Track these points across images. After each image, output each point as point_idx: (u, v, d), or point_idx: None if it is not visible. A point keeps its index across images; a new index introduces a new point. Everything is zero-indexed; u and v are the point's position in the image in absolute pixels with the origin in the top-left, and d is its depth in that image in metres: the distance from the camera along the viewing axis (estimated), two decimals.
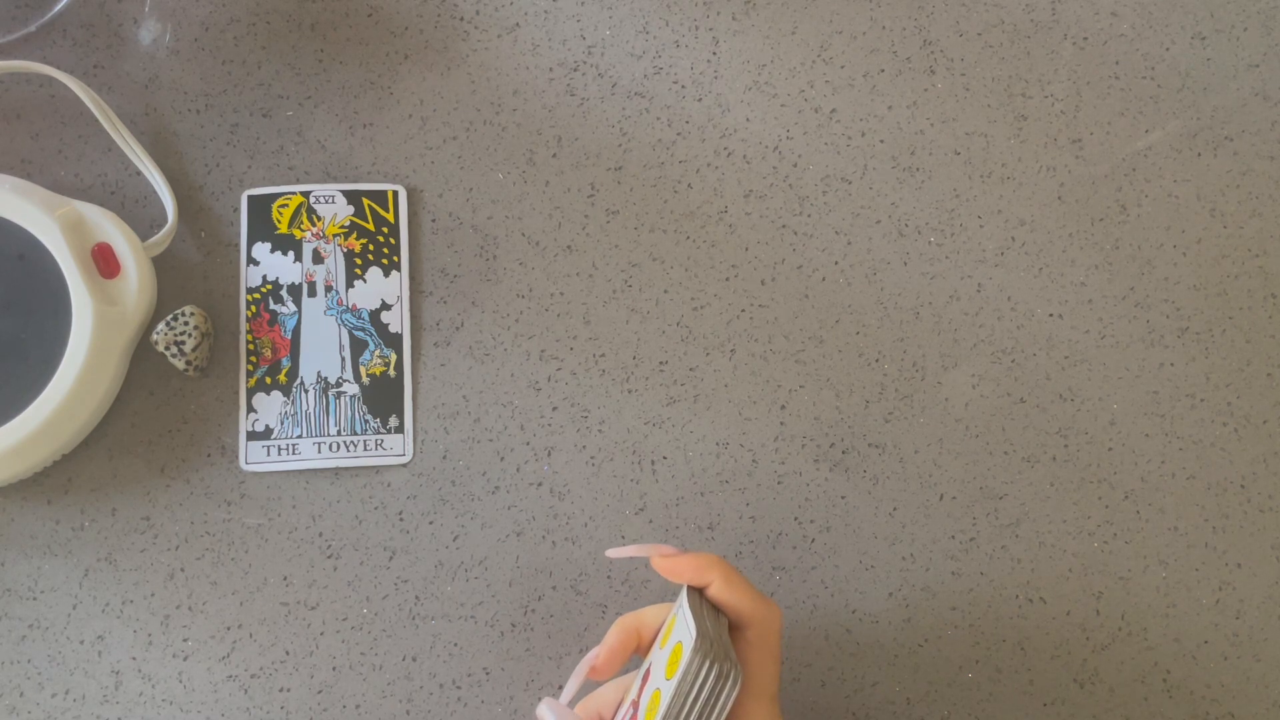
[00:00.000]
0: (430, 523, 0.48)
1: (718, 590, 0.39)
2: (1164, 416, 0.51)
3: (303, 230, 0.50)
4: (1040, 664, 0.48)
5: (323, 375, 0.48)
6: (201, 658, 0.46)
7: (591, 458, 0.49)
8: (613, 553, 0.41)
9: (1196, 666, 0.49)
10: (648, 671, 0.38)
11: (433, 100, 0.51)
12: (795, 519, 0.49)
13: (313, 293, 0.49)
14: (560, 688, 0.47)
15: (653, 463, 0.49)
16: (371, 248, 0.50)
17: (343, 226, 0.50)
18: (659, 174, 0.51)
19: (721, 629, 0.38)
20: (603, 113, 0.52)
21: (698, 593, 0.39)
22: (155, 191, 0.50)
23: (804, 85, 0.53)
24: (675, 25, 0.53)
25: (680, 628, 0.38)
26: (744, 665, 0.38)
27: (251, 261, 0.49)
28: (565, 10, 0.53)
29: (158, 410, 0.48)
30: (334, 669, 0.46)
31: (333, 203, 0.50)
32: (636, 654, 0.41)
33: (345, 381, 0.48)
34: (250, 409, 0.48)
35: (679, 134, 0.52)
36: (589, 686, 0.43)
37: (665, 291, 0.51)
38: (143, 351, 0.48)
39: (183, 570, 0.47)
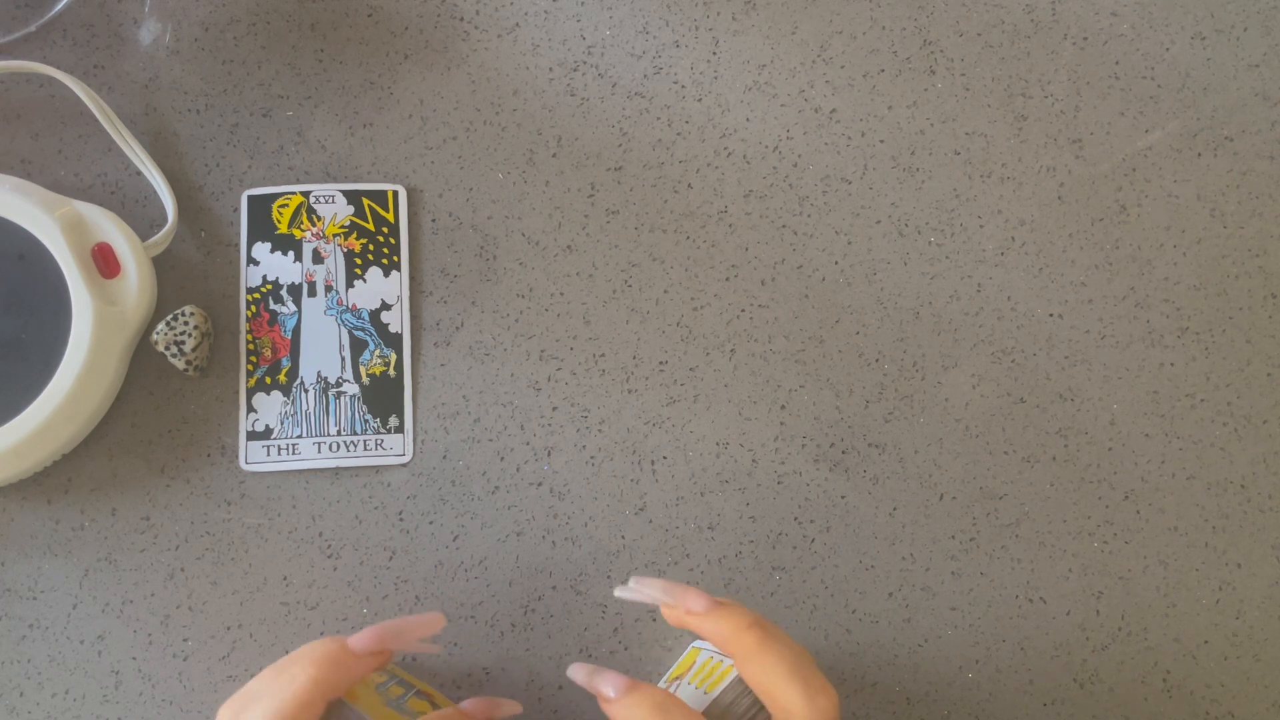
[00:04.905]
0: (430, 523, 0.48)
1: (740, 669, 0.32)
2: (1164, 416, 0.51)
3: (303, 230, 0.50)
4: (1040, 664, 0.48)
5: (323, 375, 0.48)
6: (201, 658, 0.46)
7: (591, 458, 0.49)
8: (623, 592, 0.37)
9: (1196, 666, 0.49)
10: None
11: (433, 100, 0.51)
12: (795, 519, 0.49)
13: (313, 293, 0.49)
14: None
15: (653, 463, 0.49)
16: (371, 248, 0.50)
17: (343, 226, 0.50)
18: (659, 174, 0.51)
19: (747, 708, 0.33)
20: (603, 113, 0.52)
21: None
22: (155, 191, 0.50)
23: (804, 85, 0.53)
24: (675, 25, 0.53)
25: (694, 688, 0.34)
26: None
27: (251, 261, 0.49)
28: (565, 10, 0.53)
29: (158, 410, 0.48)
30: None
31: (333, 203, 0.50)
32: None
33: (345, 381, 0.48)
34: (250, 409, 0.48)
35: (679, 134, 0.52)
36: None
37: (665, 291, 0.51)
38: (143, 351, 0.48)
39: (183, 570, 0.47)
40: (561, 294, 0.50)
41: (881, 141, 0.52)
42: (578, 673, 0.36)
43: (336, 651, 0.34)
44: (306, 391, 0.48)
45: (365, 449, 0.48)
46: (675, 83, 0.52)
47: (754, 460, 0.49)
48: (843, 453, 0.50)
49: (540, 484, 0.48)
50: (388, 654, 0.36)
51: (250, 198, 0.50)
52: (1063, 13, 0.54)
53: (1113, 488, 0.50)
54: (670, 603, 0.36)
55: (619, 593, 0.37)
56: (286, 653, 0.46)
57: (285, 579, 0.47)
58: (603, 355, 0.50)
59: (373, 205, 0.50)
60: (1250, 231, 0.53)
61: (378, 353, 0.49)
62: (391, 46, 0.52)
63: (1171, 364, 0.51)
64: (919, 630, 0.48)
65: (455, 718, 0.35)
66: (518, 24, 0.52)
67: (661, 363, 0.50)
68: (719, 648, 0.34)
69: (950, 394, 0.50)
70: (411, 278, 0.50)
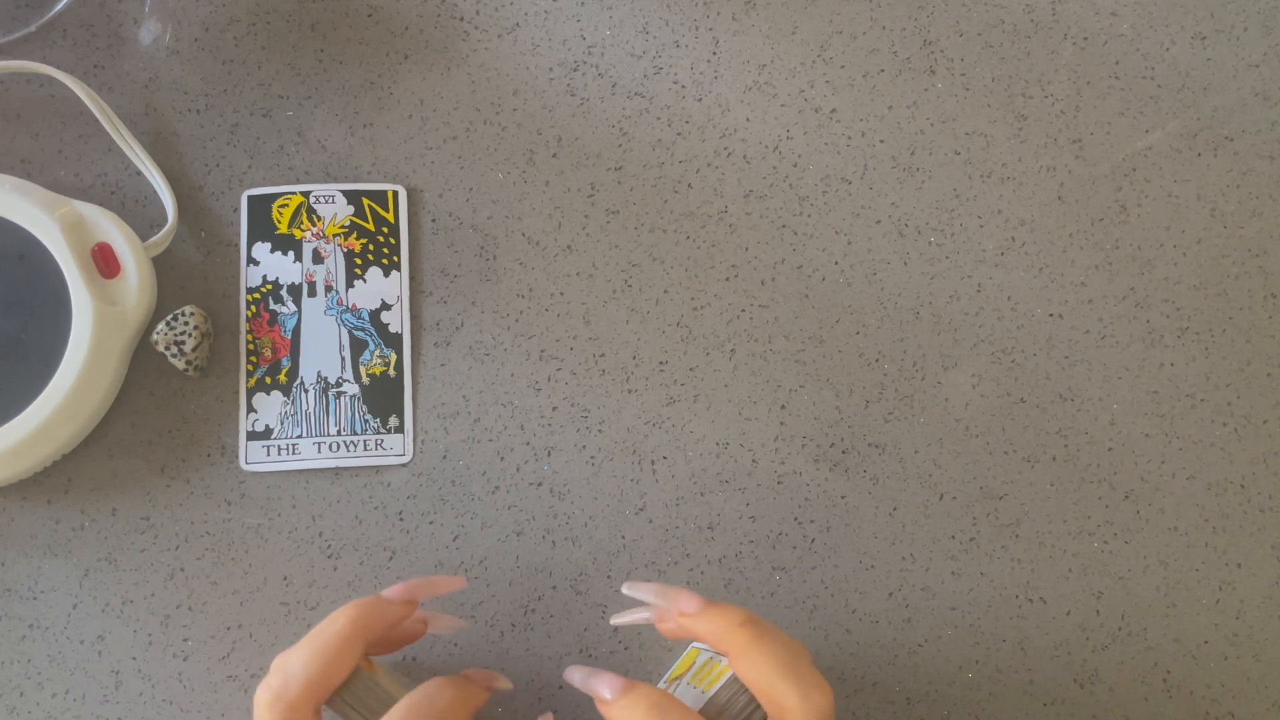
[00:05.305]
0: (430, 523, 0.48)
1: (734, 667, 0.33)
2: (1164, 416, 0.51)
3: (303, 230, 0.50)
4: (1040, 664, 0.48)
5: (323, 375, 0.48)
6: (201, 658, 0.46)
7: (591, 458, 0.49)
8: (619, 618, 0.38)
9: (1196, 666, 0.49)
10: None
11: (433, 100, 0.51)
12: (795, 519, 0.49)
13: (313, 293, 0.49)
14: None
15: (653, 463, 0.49)
16: (371, 248, 0.50)
17: (343, 226, 0.50)
18: (659, 174, 0.51)
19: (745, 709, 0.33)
20: (603, 113, 0.52)
21: None
22: (155, 191, 0.50)
23: (804, 85, 0.53)
24: (675, 25, 0.53)
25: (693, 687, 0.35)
26: None
27: (251, 261, 0.49)
28: (565, 10, 0.53)
29: (158, 410, 0.48)
30: None
31: (333, 203, 0.50)
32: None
33: (345, 381, 0.48)
34: (250, 409, 0.48)
35: (679, 134, 0.52)
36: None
37: (665, 291, 0.51)
38: (143, 351, 0.48)
39: (183, 570, 0.47)
40: (561, 294, 0.50)
41: (881, 141, 0.52)
42: (575, 675, 0.36)
43: (372, 599, 0.37)
44: (306, 391, 0.48)
45: (365, 449, 0.48)
46: (675, 83, 0.52)
47: (754, 460, 0.49)
48: (843, 453, 0.50)
49: (540, 484, 0.48)
50: (416, 605, 0.38)
51: (250, 198, 0.50)
52: (1063, 13, 0.54)
53: (1113, 488, 0.50)
54: (663, 605, 0.37)
55: (615, 620, 0.38)
56: None
57: (285, 579, 0.47)
58: (603, 355, 0.50)
59: (373, 205, 0.50)
60: (1250, 231, 0.53)
61: (378, 353, 0.49)
62: (391, 46, 0.52)
63: (1171, 364, 0.51)
64: (919, 630, 0.48)
65: (459, 682, 0.37)
66: (518, 24, 0.52)
67: (661, 363, 0.50)
68: (713, 646, 0.34)
69: (950, 394, 0.50)
70: (411, 278, 0.50)
